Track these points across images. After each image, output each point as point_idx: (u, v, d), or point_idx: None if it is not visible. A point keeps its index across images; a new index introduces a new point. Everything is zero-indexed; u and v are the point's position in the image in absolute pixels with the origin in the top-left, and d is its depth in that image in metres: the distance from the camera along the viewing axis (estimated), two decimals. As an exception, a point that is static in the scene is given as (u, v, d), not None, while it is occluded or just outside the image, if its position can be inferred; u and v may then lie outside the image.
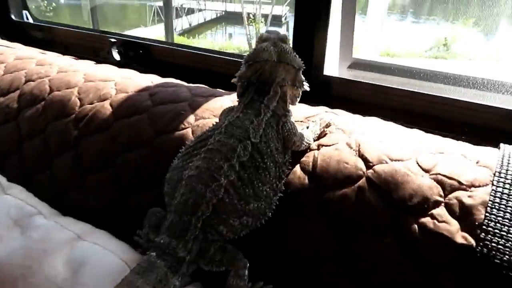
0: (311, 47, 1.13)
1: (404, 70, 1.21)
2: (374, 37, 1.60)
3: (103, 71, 0.97)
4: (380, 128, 0.72)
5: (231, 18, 12.03)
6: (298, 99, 0.71)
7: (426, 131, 0.87)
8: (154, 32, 10.70)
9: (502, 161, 0.59)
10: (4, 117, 0.94)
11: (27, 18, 1.71)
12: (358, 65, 1.28)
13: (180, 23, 11.67)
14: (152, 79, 0.97)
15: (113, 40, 1.44)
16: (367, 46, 1.64)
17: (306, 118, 0.75)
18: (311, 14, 1.11)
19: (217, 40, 12.07)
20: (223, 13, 12.51)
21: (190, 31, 11.71)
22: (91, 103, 0.87)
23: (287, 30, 11.91)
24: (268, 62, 0.67)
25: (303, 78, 0.70)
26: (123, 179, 0.77)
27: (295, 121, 0.71)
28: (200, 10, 12.25)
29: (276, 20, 11.09)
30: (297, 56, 0.69)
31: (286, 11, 12.08)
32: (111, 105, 0.85)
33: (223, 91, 1.11)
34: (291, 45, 0.70)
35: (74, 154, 0.83)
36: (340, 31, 1.22)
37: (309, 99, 0.95)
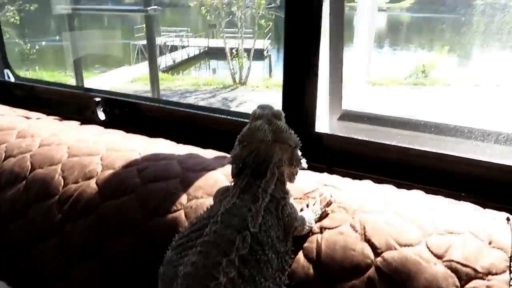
0: (301, 104, 1.12)
1: (396, 121, 1.20)
2: (363, 68, 1.60)
3: (86, 145, 0.93)
4: (381, 198, 0.69)
5: (214, 54, 12.21)
6: (296, 177, 0.68)
7: (422, 187, 0.85)
8: (139, 70, 10.76)
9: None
10: (-18, 198, 0.88)
11: (9, 77, 1.67)
12: (348, 116, 1.27)
13: (164, 60, 11.77)
14: (140, 148, 0.93)
15: (97, 99, 1.41)
16: (357, 77, 1.64)
17: (304, 194, 0.71)
18: (300, 72, 1.10)
19: (201, 75, 12.18)
20: (206, 48, 12.71)
21: (174, 68, 11.82)
22: (76, 182, 0.82)
23: (269, 63, 12.11)
24: (264, 142, 0.64)
25: (300, 155, 0.67)
26: (111, 271, 0.71)
27: (294, 198, 0.68)
28: (183, 47, 12.41)
29: (258, 54, 11.29)
30: (293, 132, 0.67)
31: (267, 45, 12.32)
32: (97, 184, 0.80)
33: (215, 153, 1.08)
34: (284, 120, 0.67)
35: (57, 241, 0.77)
36: (328, 83, 1.21)
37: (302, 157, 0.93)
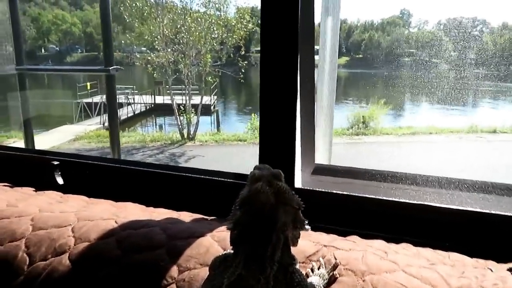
0: (279, 160, 1.11)
1: (364, 173, 1.22)
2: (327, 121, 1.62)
3: (52, 215, 0.83)
4: (381, 255, 0.67)
5: (160, 110, 12.18)
6: (299, 239, 0.64)
7: (396, 238, 0.85)
8: (82, 128, 10.41)
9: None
10: None
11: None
12: (321, 170, 1.27)
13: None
14: (113, 215, 0.85)
15: (55, 163, 1.31)
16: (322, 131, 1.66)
17: (307, 257, 0.68)
18: (278, 129, 1.09)
19: (148, 132, 12.02)
20: (152, 105, 12.67)
21: (120, 125, 11.55)
22: (45, 259, 0.72)
23: (217, 118, 12.26)
24: (266, 206, 0.60)
25: (303, 217, 0.64)
26: None
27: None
28: (129, 104, 12.28)
29: (206, 109, 11.41)
30: (294, 193, 0.64)
31: (214, 100, 12.53)
32: (70, 259, 0.71)
33: (191, 215, 1.02)
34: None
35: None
36: (300, 138, 1.22)
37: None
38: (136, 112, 12.51)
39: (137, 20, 10.12)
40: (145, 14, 9.74)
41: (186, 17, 9.55)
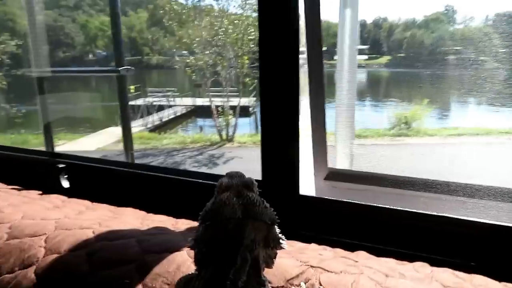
0: (282, 166, 1.02)
1: (384, 179, 1.10)
2: (347, 124, 1.52)
3: (32, 222, 0.79)
4: (382, 280, 0.56)
5: (200, 112, 12.33)
6: (275, 260, 0.55)
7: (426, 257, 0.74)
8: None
9: None
10: None
11: (-32, 144, 1.55)
12: (334, 175, 1.17)
13: (152, 120, 11.85)
14: (96, 224, 0.80)
15: (60, 166, 1.29)
16: (341, 133, 1.56)
17: (287, 281, 0.58)
18: (280, 132, 1.00)
19: (188, 134, 12.23)
20: (193, 107, 12.86)
21: (161, 127, 11.86)
22: (12, 272, 0.67)
23: (255, 120, 12.25)
24: (232, 221, 0.51)
25: (279, 233, 0.55)
26: None
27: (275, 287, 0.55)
28: (170, 106, 12.55)
29: (244, 111, 11.41)
30: (268, 205, 0.55)
31: (253, 102, 12.53)
32: (36, 273, 0.66)
33: (188, 223, 0.95)
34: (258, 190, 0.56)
35: None
36: (312, 141, 1.12)
37: (284, 223, 0.81)
38: (177, 114, 12.77)
39: (176, 24, 10.30)
40: (183, 17, 9.89)
41: (223, 19, 9.60)
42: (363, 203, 0.95)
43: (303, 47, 1.05)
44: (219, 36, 9.76)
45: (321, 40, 1.09)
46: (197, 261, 0.53)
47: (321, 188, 1.12)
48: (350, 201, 0.97)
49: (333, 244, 0.89)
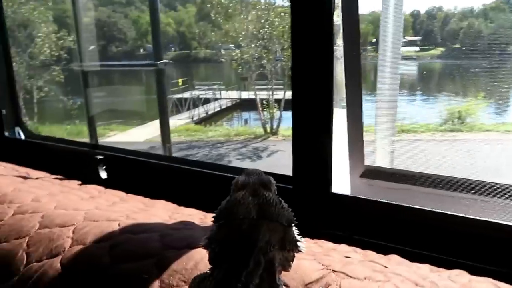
0: (314, 161, 0.98)
1: (427, 178, 1.03)
2: (388, 117, 1.46)
3: (63, 213, 0.81)
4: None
5: (246, 105, 12.39)
6: (292, 263, 0.53)
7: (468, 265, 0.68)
8: (173, 122, 11.02)
9: None
10: None
11: (19, 135, 1.63)
12: (372, 173, 1.11)
13: (198, 113, 12.08)
14: (124, 216, 0.81)
15: (99, 157, 1.33)
16: (382, 127, 1.49)
17: (305, 285, 0.55)
18: (312, 125, 0.97)
19: (233, 126, 12.35)
20: (238, 100, 12.95)
21: (207, 120, 12.07)
22: (40, 260, 0.69)
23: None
24: (246, 221, 0.49)
25: (296, 235, 0.52)
26: None
27: (291, 291, 0.52)
28: (216, 99, 12.72)
29: (289, 104, 11.34)
30: (286, 206, 0.52)
31: (299, 95, 12.40)
32: (61, 264, 0.67)
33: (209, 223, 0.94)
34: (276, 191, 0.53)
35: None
36: (347, 136, 1.07)
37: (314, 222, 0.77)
38: (222, 107, 12.92)
39: (222, 18, 10.39)
40: (230, 11, 9.95)
41: (270, 12, 9.55)
42: (399, 203, 0.90)
43: (340, 40, 1.01)
44: (265, 29, 9.73)
45: (358, 30, 1.04)
46: (210, 260, 0.52)
47: (356, 186, 1.07)
48: (386, 201, 0.91)
49: (365, 246, 0.84)
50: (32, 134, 1.68)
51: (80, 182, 1.26)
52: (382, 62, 1.26)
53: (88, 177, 1.31)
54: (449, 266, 0.74)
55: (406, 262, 0.73)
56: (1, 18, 1.58)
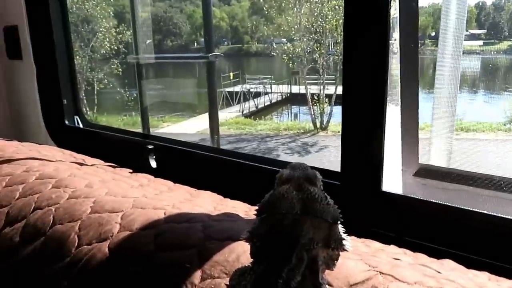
0: (364, 157, 0.94)
1: (487, 180, 0.95)
2: (447, 115, 1.38)
3: (113, 199, 0.84)
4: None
5: (296, 99, 12.32)
6: (337, 262, 0.50)
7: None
8: (224, 115, 11.21)
9: None
10: (5, 253, 0.82)
11: (78, 123, 1.72)
12: (426, 172, 1.05)
13: (248, 106, 12.17)
14: (170, 204, 0.82)
15: (150, 147, 1.36)
16: (439, 125, 1.42)
17: (350, 286, 0.53)
18: (363, 118, 0.93)
19: (282, 121, 12.31)
20: (288, 95, 12.89)
21: (256, 113, 12.13)
22: (90, 244, 0.72)
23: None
24: (289, 216, 0.47)
25: (342, 233, 0.49)
26: None
27: (334, 291, 0.50)
28: (266, 93, 12.74)
29: (341, 99, 11.13)
30: (331, 202, 0.49)
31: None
32: (109, 248, 0.69)
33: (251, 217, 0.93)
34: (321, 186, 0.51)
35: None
36: (401, 133, 1.02)
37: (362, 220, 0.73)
38: (272, 101, 12.91)
39: (275, 12, 10.35)
40: (283, 5, 9.89)
41: (324, 5, 9.38)
42: (455, 205, 0.84)
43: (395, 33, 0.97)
44: (318, 23, 9.58)
45: (417, 22, 0.98)
46: (252, 254, 0.50)
47: (409, 185, 1.02)
48: (441, 202, 0.86)
49: (415, 248, 0.79)
50: (89, 123, 1.77)
51: (131, 170, 1.30)
52: (442, 56, 1.19)
53: (139, 166, 1.35)
54: (509, 275, 0.68)
55: (461, 268, 0.68)
56: (65, 14, 1.66)
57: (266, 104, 12.80)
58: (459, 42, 1.16)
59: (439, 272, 0.61)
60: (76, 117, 1.72)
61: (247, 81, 13.04)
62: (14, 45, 1.70)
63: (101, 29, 10.76)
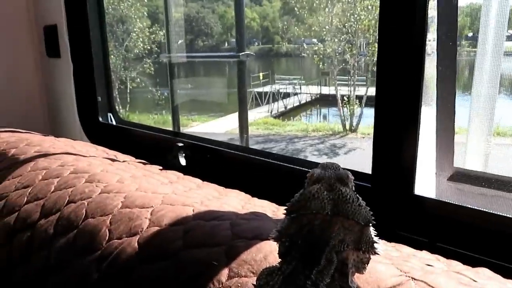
0: (397, 159, 0.91)
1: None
2: (485, 119, 1.33)
3: (143, 195, 0.85)
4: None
5: (325, 101, 12.20)
6: (367, 265, 0.49)
7: None
8: (252, 115, 11.23)
9: None
10: (39, 244, 0.85)
11: (111, 120, 1.76)
12: (462, 176, 1.02)
13: (277, 107, 12.14)
14: (198, 202, 0.82)
15: (180, 144, 1.38)
16: (476, 129, 1.37)
17: (380, 292, 0.51)
18: (397, 120, 0.90)
19: (311, 122, 12.22)
20: (318, 96, 12.78)
21: (285, 114, 12.08)
22: (120, 238, 0.73)
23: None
24: (319, 216, 0.46)
25: (374, 236, 0.48)
26: None
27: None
28: (295, 94, 12.68)
29: (371, 101, 10.93)
30: (363, 204, 0.48)
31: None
32: (139, 243, 0.70)
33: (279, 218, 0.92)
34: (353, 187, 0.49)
35: (88, 307, 0.68)
36: (436, 135, 0.99)
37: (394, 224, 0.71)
38: (301, 102, 12.83)
39: (306, 12, 10.29)
40: (314, 5, 9.81)
41: (356, 5, 9.25)
42: (493, 212, 0.80)
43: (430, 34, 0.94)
44: (350, 23, 9.46)
45: (456, 22, 0.95)
46: (280, 254, 0.50)
47: (443, 190, 0.99)
48: (477, 208, 0.82)
49: (449, 255, 0.76)
50: (122, 120, 1.81)
51: (161, 167, 1.31)
52: (481, 58, 1.15)
53: (169, 163, 1.37)
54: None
55: (498, 277, 0.65)
56: (101, 14, 1.71)
57: (295, 105, 12.74)
58: (500, 42, 1.12)
59: (474, 281, 0.58)
60: (110, 114, 1.76)
61: (276, 81, 13.02)
62: (53, 44, 1.76)
63: (135, 29, 11.02)
